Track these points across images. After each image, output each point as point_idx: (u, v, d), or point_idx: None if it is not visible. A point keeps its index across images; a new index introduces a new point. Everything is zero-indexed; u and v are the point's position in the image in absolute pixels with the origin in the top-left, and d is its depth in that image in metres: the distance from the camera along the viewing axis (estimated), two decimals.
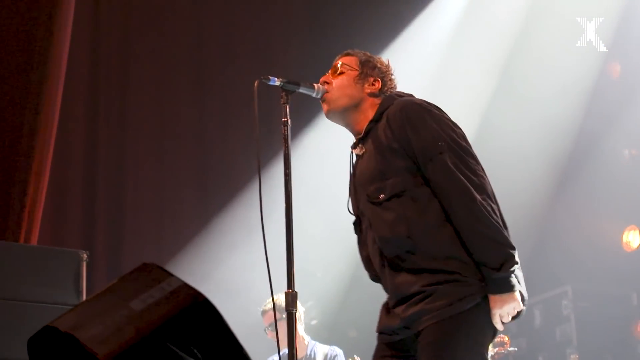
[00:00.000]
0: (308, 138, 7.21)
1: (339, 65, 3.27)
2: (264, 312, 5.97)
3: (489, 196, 2.96)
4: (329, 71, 3.29)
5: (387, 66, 3.31)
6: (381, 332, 3.11)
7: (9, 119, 5.10)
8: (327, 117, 3.27)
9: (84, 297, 4.24)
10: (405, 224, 2.97)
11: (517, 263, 2.89)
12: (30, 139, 5.06)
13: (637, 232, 7.13)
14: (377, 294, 3.56)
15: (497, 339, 5.52)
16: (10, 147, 5.05)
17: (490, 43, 7.57)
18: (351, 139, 3.31)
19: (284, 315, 3.13)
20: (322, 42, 7.48)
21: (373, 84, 3.24)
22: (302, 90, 3.22)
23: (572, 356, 6.78)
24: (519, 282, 2.93)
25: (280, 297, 4.20)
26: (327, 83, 3.24)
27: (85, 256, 4.36)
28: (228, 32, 7.64)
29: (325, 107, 3.24)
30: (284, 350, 3.53)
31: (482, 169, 3.05)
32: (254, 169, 3.24)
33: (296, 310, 3.03)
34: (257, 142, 3.18)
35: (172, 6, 7.51)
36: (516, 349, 6.26)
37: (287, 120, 3.18)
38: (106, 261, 6.62)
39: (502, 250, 2.87)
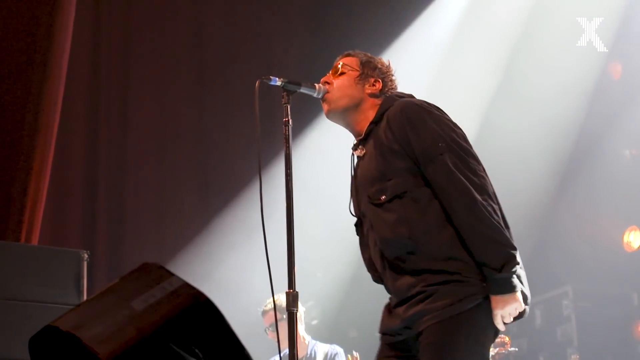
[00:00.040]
0: (309, 138, 7.21)
1: (339, 65, 3.27)
2: (264, 313, 5.97)
3: (490, 196, 2.95)
4: (330, 71, 3.29)
5: (388, 67, 3.31)
6: (384, 333, 3.11)
7: (9, 119, 5.09)
8: (328, 117, 3.27)
9: (85, 297, 4.24)
10: (406, 225, 2.97)
11: (518, 263, 2.89)
12: (31, 138, 5.06)
13: (638, 232, 7.13)
14: (378, 294, 3.56)
15: (498, 339, 5.52)
16: (11, 146, 5.05)
17: (491, 43, 7.57)
18: (351, 139, 3.31)
19: (285, 316, 3.13)
20: (322, 42, 7.48)
21: (374, 85, 3.24)
22: (303, 90, 3.23)
23: (572, 356, 6.78)
24: (521, 282, 2.93)
25: (281, 297, 4.20)
26: (328, 83, 3.24)
27: (86, 256, 4.36)
28: (228, 32, 7.64)
29: (325, 107, 3.24)
30: (285, 351, 3.53)
31: (483, 169, 3.05)
32: (255, 169, 3.23)
33: (297, 310, 3.03)
34: (258, 142, 3.18)
35: (172, 6, 7.51)
36: (517, 349, 6.26)
37: (288, 120, 3.18)
38: (107, 261, 6.62)
39: (503, 250, 2.87)
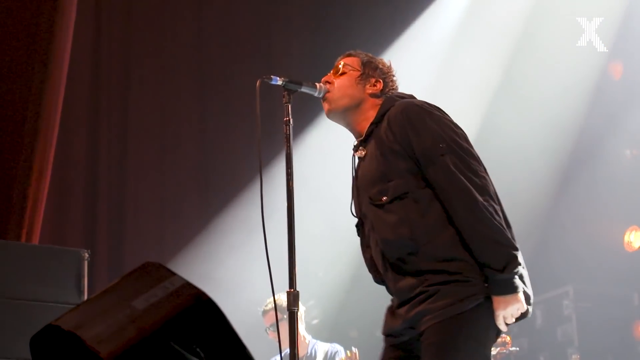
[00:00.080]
0: (310, 137, 7.22)
1: (341, 65, 3.27)
2: (264, 313, 5.97)
3: (491, 197, 2.95)
4: (331, 71, 3.29)
5: (389, 67, 3.31)
6: (387, 334, 3.11)
7: (10, 119, 5.10)
8: (328, 116, 3.27)
9: (85, 296, 4.24)
10: (407, 226, 2.96)
11: (520, 264, 2.88)
12: (32, 138, 5.06)
13: (639, 232, 7.12)
14: (378, 294, 3.56)
15: (499, 339, 5.53)
16: (12, 146, 5.05)
17: (491, 43, 7.56)
18: (352, 138, 3.31)
19: (285, 316, 3.13)
20: (323, 42, 7.48)
21: (374, 85, 3.24)
22: (304, 89, 3.22)
23: (573, 356, 6.78)
24: (523, 282, 2.93)
25: (281, 297, 4.20)
26: (329, 83, 3.24)
27: (86, 255, 4.36)
28: (229, 32, 7.64)
29: (326, 106, 3.24)
30: (286, 351, 3.53)
31: (484, 170, 3.05)
32: (255, 169, 3.23)
33: (298, 310, 3.03)
34: (258, 142, 3.18)
35: (172, 6, 7.51)
36: (518, 348, 6.26)
37: (289, 120, 3.18)
38: (107, 260, 6.62)
39: (504, 251, 2.87)
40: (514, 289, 2.87)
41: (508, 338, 5.82)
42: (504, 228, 2.90)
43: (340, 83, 3.23)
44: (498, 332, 2.99)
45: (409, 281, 2.97)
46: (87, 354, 1.66)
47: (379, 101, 3.21)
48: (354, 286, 7.25)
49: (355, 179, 3.26)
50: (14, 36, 5.21)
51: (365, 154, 3.17)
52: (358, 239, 3.31)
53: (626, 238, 7.20)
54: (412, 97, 3.25)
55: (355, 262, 6.57)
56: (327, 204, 6.56)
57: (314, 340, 6.07)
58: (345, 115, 3.23)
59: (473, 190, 2.91)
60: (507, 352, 5.92)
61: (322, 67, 3.47)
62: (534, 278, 3.01)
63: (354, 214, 3.27)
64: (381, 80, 3.25)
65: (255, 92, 3.15)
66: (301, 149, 7.00)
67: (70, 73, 5.63)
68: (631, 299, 7.10)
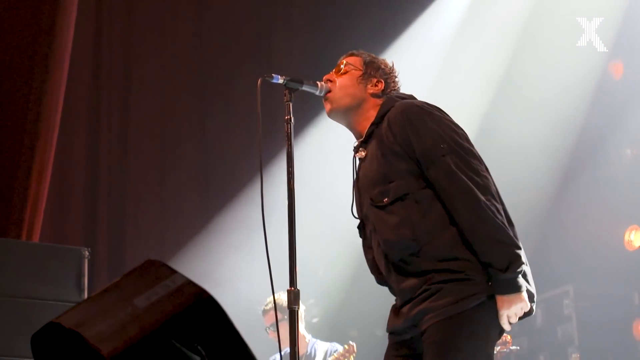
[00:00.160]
0: (311, 136, 7.22)
1: (343, 64, 3.27)
2: (264, 312, 5.97)
3: (493, 196, 2.95)
4: (333, 70, 3.29)
5: (391, 68, 3.31)
6: (391, 332, 3.12)
7: (11, 118, 5.10)
8: (329, 116, 3.27)
9: (86, 295, 4.24)
10: (409, 227, 2.96)
11: (523, 263, 2.88)
12: (33, 137, 5.07)
13: (639, 231, 7.12)
14: (378, 293, 3.56)
15: None
16: (13, 145, 5.05)
17: (492, 43, 7.57)
18: (353, 137, 3.31)
19: (286, 316, 3.13)
20: (323, 41, 7.48)
21: (376, 85, 3.24)
22: (305, 88, 3.22)
23: (573, 355, 6.78)
24: (527, 280, 2.93)
25: (282, 296, 4.20)
26: (331, 81, 3.24)
27: (86, 253, 4.36)
28: (229, 32, 7.64)
29: (327, 106, 3.24)
30: (285, 350, 3.53)
31: (486, 169, 3.05)
32: (256, 168, 3.23)
33: (298, 308, 3.03)
34: (259, 141, 3.18)
35: (173, 6, 7.52)
36: (518, 347, 6.27)
37: (290, 118, 3.18)
38: (108, 258, 6.63)
39: (507, 250, 2.86)
40: (517, 288, 2.87)
41: (508, 337, 5.82)
42: (506, 227, 2.90)
43: (342, 82, 3.23)
44: (501, 331, 2.99)
45: (411, 282, 2.97)
46: (88, 352, 1.66)
47: (380, 101, 3.21)
48: (354, 285, 7.25)
49: (356, 180, 3.25)
50: (14, 36, 5.21)
51: (366, 155, 3.17)
52: (358, 238, 3.31)
53: (626, 237, 7.20)
54: (412, 97, 3.25)
55: (356, 261, 6.57)
56: (328, 202, 6.56)
57: (314, 340, 6.08)
58: (346, 114, 3.23)
59: (475, 189, 2.90)
60: (508, 351, 5.92)
61: (322, 67, 3.48)
62: (534, 277, 3.01)
63: (356, 215, 3.27)
64: (383, 81, 3.25)
65: (255, 91, 3.15)
66: (302, 147, 7.00)
67: (71, 73, 5.64)
68: (631, 299, 7.10)
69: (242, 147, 7.16)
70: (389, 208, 3.02)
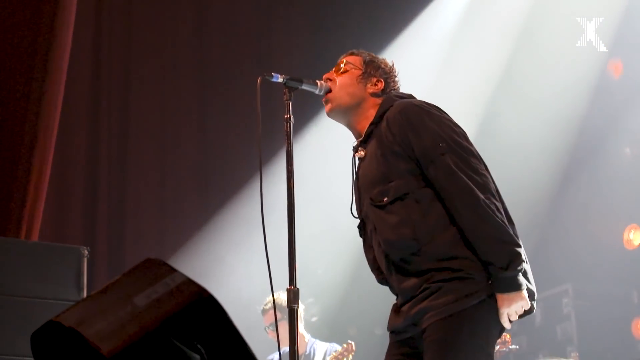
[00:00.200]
0: (310, 135, 7.22)
1: (342, 63, 3.27)
2: (264, 311, 5.97)
3: (493, 194, 2.95)
4: (333, 69, 3.29)
5: (391, 68, 3.31)
6: (392, 331, 3.12)
7: (11, 116, 5.10)
8: (329, 115, 3.27)
9: (85, 293, 4.24)
10: (409, 226, 2.96)
11: (524, 261, 2.89)
12: (33, 136, 5.07)
13: (638, 230, 7.13)
14: (378, 292, 3.56)
15: None
16: (12, 144, 5.05)
17: (491, 43, 7.57)
18: (352, 136, 3.31)
19: (285, 316, 3.13)
20: (323, 41, 7.48)
21: (376, 84, 3.24)
22: (305, 87, 3.22)
23: (572, 354, 6.78)
24: (527, 278, 2.93)
25: (281, 295, 4.19)
26: (330, 80, 3.24)
27: (86, 252, 4.36)
28: (229, 32, 7.64)
29: (327, 105, 3.24)
30: (284, 349, 3.53)
31: (485, 167, 3.05)
32: (255, 167, 3.23)
33: (298, 307, 3.03)
34: (259, 140, 3.18)
35: (173, 6, 7.51)
36: (517, 347, 6.27)
37: (290, 117, 3.18)
38: (107, 257, 6.63)
39: (508, 249, 2.86)
40: (517, 287, 2.87)
41: (508, 336, 5.82)
42: (506, 225, 2.90)
43: (342, 81, 3.23)
44: (502, 330, 2.99)
45: (412, 281, 2.98)
46: (88, 350, 1.66)
47: (379, 101, 3.21)
48: (353, 284, 7.25)
49: (356, 179, 3.25)
50: (14, 36, 5.21)
51: (365, 155, 3.17)
52: (357, 237, 3.31)
53: (626, 236, 7.20)
54: (411, 96, 3.25)
55: (355, 260, 6.57)
56: (327, 201, 6.56)
57: (313, 340, 6.07)
58: (346, 114, 3.23)
59: (474, 188, 2.91)
60: (507, 350, 5.92)
61: (322, 66, 3.47)
62: (534, 276, 3.02)
63: (355, 215, 3.27)
64: (382, 80, 3.25)
65: (255, 90, 3.15)
66: (302, 146, 7.00)
67: (71, 73, 5.64)
68: (630, 297, 7.10)
69: (242, 147, 7.17)
70: (388, 207, 3.02)
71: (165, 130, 7.29)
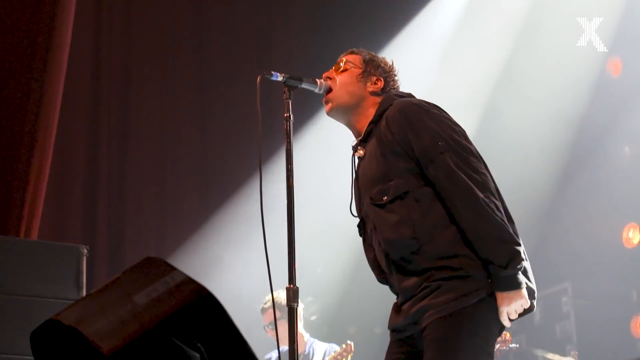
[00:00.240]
0: (310, 134, 7.22)
1: (342, 62, 3.27)
2: (263, 310, 5.97)
3: (492, 193, 2.95)
4: (333, 68, 3.29)
5: (391, 67, 3.31)
6: (392, 329, 3.12)
7: (10, 115, 5.10)
8: (329, 114, 3.27)
9: (84, 292, 4.24)
10: (409, 225, 2.96)
11: (523, 260, 2.89)
12: (32, 134, 5.07)
13: (637, 229, 7.13)
14: (377, 291, 3.56)
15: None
16: (11, 143, 5.05)
17: (492, 42, 7.56)
18: (352, 134, 3.31)
19: (285, 315, 3.13)
20: (323, 40, 7.48)
21: (375, 83, 3.24)
22: (304, 85, 3.22)
23: (571, 353, 6.78)
24: (527, 276, 2.94)
25: (281, 294, 4.19)
26: (330, 79, 3.24)
27: (85, 251, 4.36)
28: (229, 31, 7.64)
29: (327, 104, 3.24)
30: (283, 348, 3.53)
31: (485, 166, 3.05)
32: (255, 166, 3.23)
33: (297, 306, 3.03)
34: (259, 138, 3.18)
35: (173, 6, 7.51)
36: (517, 345, 6.27)
37: (290, 116, 3.18)
38: (106, 256, 6.63)
39: (507, 247, 2.87)
40: (517, 285, 2.88)
41: (508, 335, 5.83)
42: (505, 224, 2.90)
43: (342, 80, 3.23)
44: (502, 328, 2.99)
45: (412, 280, 2.98)
46: (88, 349, 1.66)
47: (379, 99, 3.22)
48: (352, 283, 7.25)
49: (356, 179, 3.26)
50: (13, 36, 5.21)
51: (365, 154, 3.17)
52: (357, 236, 3.31)
53: (625, 235, 7.21)
54: (410, 95, 3.25)
55: (354, 259, 6.57)
56: (326, 200, 6.56)
57: (312, 339, 6.07)
58: (346, 113, 3.23)
59: (474, 187, 2.91)
60: (507, 349, 5.93)
61: (322, 66, 3.47)
62: (533, 274, 3.02)
63: (355, 214, 3.27)
64: (382, 79, 3.25)
65: (255, 89, 3.15)
66: (301, 145, 6.99)
67: (70, 73, 5.64)
68: (630, 296, 7.11)
69: (241, 146, 7.17)
70: (388, 206, 3.02)
71: (165, 130, 7.29)
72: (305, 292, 4.50)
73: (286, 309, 3.03)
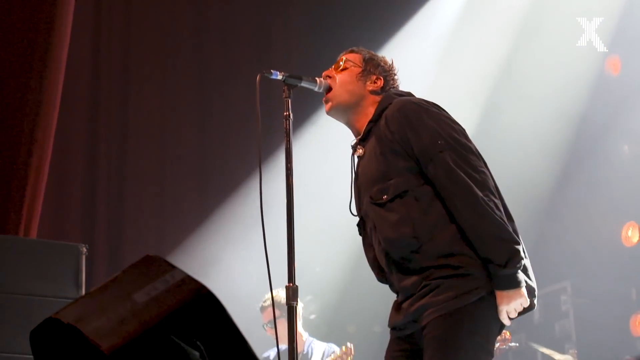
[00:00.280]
0: (309, 132, 7.22)
1: (342, 61, 3.28)
2: (263, 309, 5.97)
3: (492, 192, 2.95)
4: (332, 66, 3.29)
5: (391, 66, 3.31)
6: (392, 327, 3.12)
7: (9, 114, 5.10)
8: (328, 113, 3.28)
9: (83, 291, 4.24)
10: (409, 224, 2.96)
11: (522, 258, 2.90)
12: (31, 134, 5.06)
13: (637, 228, 7.13)
14: (376, 290, 3.56)
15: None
16: (11, 142, 5.05)
17: (491, 41, 7.56)
18: (351, 133, 3.31)
19: (284, 313, 3.13)
20: (322, 39, 7.47)
21: (375, 82, 3.24)
22: (304, 84, 3.22)
23: (570, 351, 6.79)
24: (527, 274, 2.94)
25: (280, 293, 4.19)
26: (330, 77, 3.25)
27: (84, 250, 4.35)
28: (229, 31, 7.63)
29: (327, 103, 3.24)
30: (282, 347, 3.52)
31: (484, 165, 3.05)
32: (254, 165, 3.24)
33: (297, 304, 3.03)
34: (259, 137, 3.18)
35: (173, 6, 7.51)
36: (517, 344, 6.27)
37: (289, 115, 3.18)
38: (106, 255, 6.63)
39: (506, 246, 2.87)
40: (517, 284, 2.88)
41: (508, 333, 5.83)
42: (505, 223, 2.90)
43: (341, 79, 3.23)
44: (502, 327, 3.00)
45: (412, 279, 2.98)
46: (87, 347, 1.66)
47: (378, 98, 3.22)
48: (352, 281, 7.25)
49: (355, 178, 3.26)
50: (12, 35, 5.21)
51: (364, 153, 3.17)
52: (356, 235, 3.31)
53: (624, 233, 7.21)
54: (410, 94, 3.25)
55: (354, 258, 6.57)
56: (326, 199, 6.56)
57: (311, 339, 6.06)
58: (345, 112, 3.24)
59: (473, 186, 2.91)
60: (507, 347, 5.93)
61: (322, 66, 3.48)
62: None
63: (354, 213, 3.27)
64: (382, 78, 3.25)
65: (255, 88, 3.15)
66: (301, 143, 6.99)
67: (70, 73, 5.63)
68: (629, 295, 7.11)
69: (241, 145, 7.17)
70: (388, 205, 3.02)
71: (164, 130, 7.29)
72: (304, 291, 4.50)
73: (285, 307, 3.03)
